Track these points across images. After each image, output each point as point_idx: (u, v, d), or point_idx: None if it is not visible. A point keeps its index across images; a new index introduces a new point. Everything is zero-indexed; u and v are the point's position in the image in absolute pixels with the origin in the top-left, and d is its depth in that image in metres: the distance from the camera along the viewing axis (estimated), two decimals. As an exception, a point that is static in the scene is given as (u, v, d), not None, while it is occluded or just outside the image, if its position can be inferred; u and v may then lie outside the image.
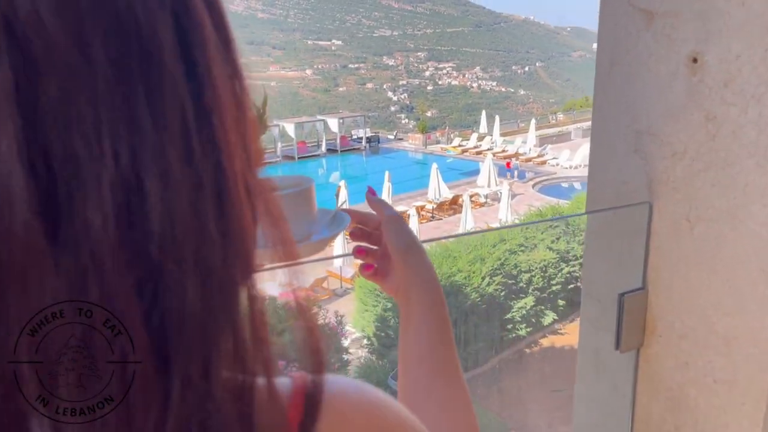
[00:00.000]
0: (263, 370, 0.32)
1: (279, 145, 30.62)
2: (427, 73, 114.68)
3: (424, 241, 0.83)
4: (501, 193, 18.67)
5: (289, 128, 32.11)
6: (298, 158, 31.90)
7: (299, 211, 0.74)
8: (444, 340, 0.67)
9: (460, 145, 31.71)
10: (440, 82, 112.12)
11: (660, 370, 1.08)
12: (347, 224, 0.75)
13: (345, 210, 0.78)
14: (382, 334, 9.41)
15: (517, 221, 13.28)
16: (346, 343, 9.41)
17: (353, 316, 10.15)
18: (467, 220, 16.39)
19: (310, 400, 0.35)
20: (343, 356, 8.82)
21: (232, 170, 0.31)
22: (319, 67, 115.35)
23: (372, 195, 0.78)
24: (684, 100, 0.98)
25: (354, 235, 0.79)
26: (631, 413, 1.14)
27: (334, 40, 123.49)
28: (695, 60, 0.95)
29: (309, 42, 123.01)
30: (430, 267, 0.72)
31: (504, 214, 17.40)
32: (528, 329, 10.05)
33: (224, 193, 0.30)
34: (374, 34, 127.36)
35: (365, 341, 9.72)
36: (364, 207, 0.83)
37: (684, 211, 1.00)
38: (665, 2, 0.97)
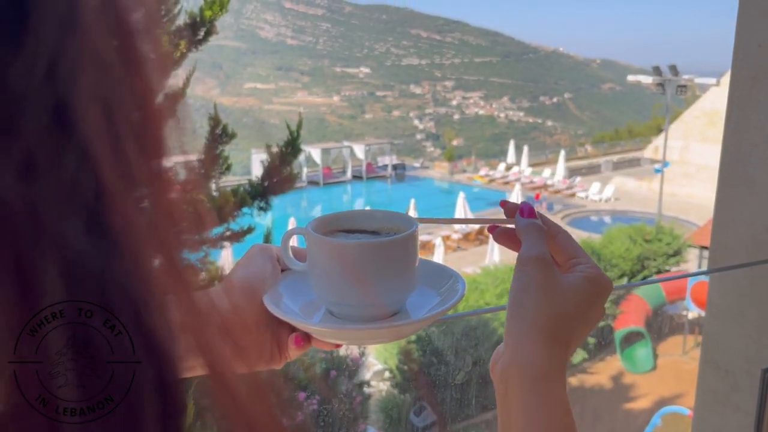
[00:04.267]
0: None
1: (305, 170, 30.81)
2: (454, 102, 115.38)
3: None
4: (529, 224, 18.34)
5: (316, 154, 32.34)
6: (324, 184, 32.03)
7: (393, 269, 0.52)
8: None
9: (487, 175, 31.51)
10: (467, 111, 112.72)
11: (813, 469, 0.85)
12: (461, 295, 0.53)
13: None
14: (405, 367, 9.17)
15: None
16: (367, 375, 9.18)
17: (376, 348, 9.93)
18: (494, 252, 16.12)
19: None
20: (365, 389, 8.59)
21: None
22: (347, 94, 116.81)
23: (523, 212, 0.53)
24: None
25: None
26: None
27: (362, 68, 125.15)
28: None
29: (337, 69, 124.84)
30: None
31: (532, 246, 17.05)
32: (557, 367, 9.73)
33: None
34: (402, 63, 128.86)
35: (387, 374, 9.48)
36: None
37: None
38: (842, 1, 0.77)
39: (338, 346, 0.55)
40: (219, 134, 3.56)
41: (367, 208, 0.54)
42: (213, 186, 3.66)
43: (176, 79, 0.25)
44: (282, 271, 0.57)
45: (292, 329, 0.54)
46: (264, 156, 4.12)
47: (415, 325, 0.53)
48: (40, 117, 0.22)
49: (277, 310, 0.51)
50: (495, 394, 0.50)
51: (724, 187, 0.93)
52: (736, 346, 0.93)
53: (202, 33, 2.87)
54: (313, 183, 31.78)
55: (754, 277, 0.90)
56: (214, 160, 3.62)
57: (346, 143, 37.50)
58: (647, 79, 21.87)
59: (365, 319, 0.53)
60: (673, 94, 20.81)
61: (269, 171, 3.78)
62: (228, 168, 3.72)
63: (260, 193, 3.74)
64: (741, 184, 0.91)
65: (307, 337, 0.54)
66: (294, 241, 0.57)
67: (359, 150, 34.46)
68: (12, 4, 0.22)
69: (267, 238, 3.69)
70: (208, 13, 2.83)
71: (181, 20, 2.89)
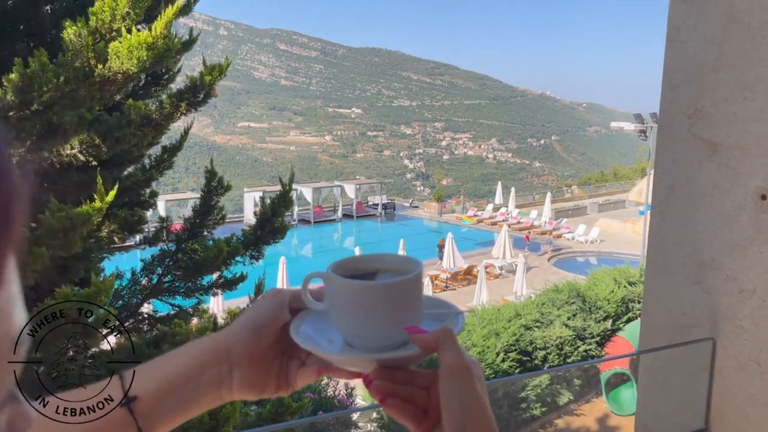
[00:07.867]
0: None
1: (296, 209, 30.90)
2: (444, 143, 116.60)
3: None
4: (516, 265, 18.53)
5: (307, 192, 32.48)
6: (314, 222, 32.09)
7: (400, 307, 0.58)
8: None
9: (475, 216, 31.80)
10: (456, 152, 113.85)
11: None
12: (461, 327, 0.59)
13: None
14: (393, 409, 9.12)
15: (533, 296, 13.09)
16: (354, 416, 9.12)
17: (362, 389, 9.86)
18: (482, 292, 16.20)
19: None
20: (352, 430, 8.54)
21: None
22: (338, 133, 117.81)
23: (417, 332, 0.55)
24: (752, 235, 0.94)
25: (381, 393, 0.55)
26: None
27: (354, 108, 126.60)
28: (764, 197, 0.91)
29: (330, 109, 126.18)
30: None
31: (519, 286, 17.18)
32: (543, 409, 9.72)
33: None
34: (393, 104, 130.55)
35: (374, 414, 9.41)
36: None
37: (753, 353, 0.94)
38: (732, 135, 0.95)
39: (359, 375, 0.58)
40: (215, 186, 3.72)
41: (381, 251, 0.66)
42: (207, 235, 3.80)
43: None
44: (298, 310, 0.62)
45: (301, 362, 0.60)
46: (256, 194, 4.26)
47: (410, 357, 0.57)
48: None
49: (307, 344, 0.57)
50: None
51: (650, 277, 1.11)
52: (662, 413, 1.09)
53: (201, 95, 3.05)
54: (304, 221, 31.84)
55: (674, 356, 1.07)
56: (208, 211, 3.77)
57: (337, 182, 37.72)
58: (629, 126, 22.41)
59: (379, 350, 0.57)
60: (655, 139, 21.27)
61: (261, 221, 3.93)
62: (222, 218, 3.87)
63: (252, 242, 3.87)
64: (662, 276, 1.09)
65: (327, 368, 0.59)
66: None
67: (350, 189, 34.67)
68: None
69: (258, 288, 3.81)
70: (207, 78, 3.02)
71: (183, 84, 3.08)
